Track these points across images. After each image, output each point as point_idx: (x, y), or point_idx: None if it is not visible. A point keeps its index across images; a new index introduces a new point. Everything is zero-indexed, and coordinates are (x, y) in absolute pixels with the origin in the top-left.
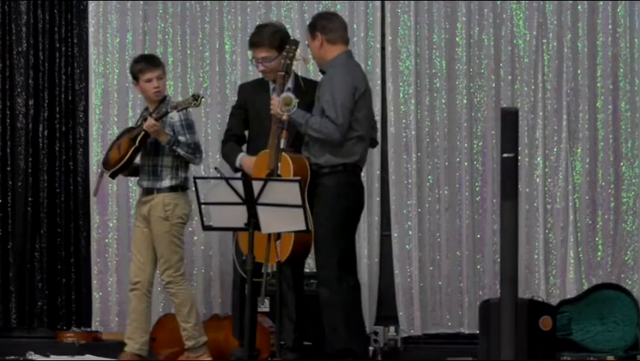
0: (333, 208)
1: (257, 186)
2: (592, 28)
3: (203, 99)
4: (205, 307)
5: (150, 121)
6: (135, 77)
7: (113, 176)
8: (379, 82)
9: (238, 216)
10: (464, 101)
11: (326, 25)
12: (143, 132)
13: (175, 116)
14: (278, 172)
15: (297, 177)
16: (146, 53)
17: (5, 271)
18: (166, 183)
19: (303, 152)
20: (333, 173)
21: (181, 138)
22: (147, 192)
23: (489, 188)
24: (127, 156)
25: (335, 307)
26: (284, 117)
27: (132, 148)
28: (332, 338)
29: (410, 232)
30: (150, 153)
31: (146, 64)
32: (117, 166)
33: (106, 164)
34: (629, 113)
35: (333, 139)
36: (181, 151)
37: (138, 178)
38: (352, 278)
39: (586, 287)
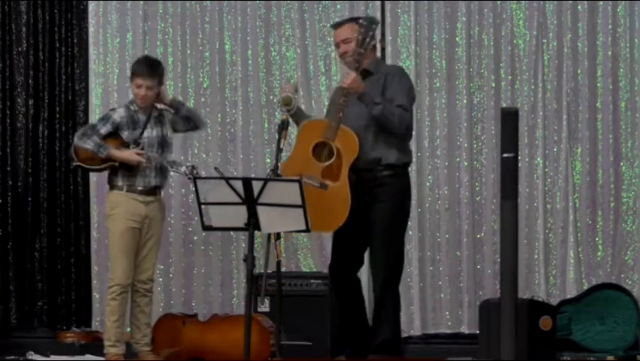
0: (399, 210)
1: (257, 186)
2: (592, 28)
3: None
4: (205, 308)
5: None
6: (131, 76)
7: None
8: None
9: (238, 216)
10: (464, 101)
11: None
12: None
13: (168, 113)
14: (280, 172)
15: (297, 178)
16: (147, 54)
17: (5, 271)
18: (165, 183)
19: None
20: (397, 175)
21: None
22: (151, 191)
23: (489, 188)
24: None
25: (394, 302)
26: (285, 117)
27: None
28: (379, 329)
29: (410, 232)
30: (158, 149)
31: (143, 69)
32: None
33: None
34: (629, 113)
35: (404, 126)
36: (193, 118)
37: (133, 174)
38: None
39: (586, 287)
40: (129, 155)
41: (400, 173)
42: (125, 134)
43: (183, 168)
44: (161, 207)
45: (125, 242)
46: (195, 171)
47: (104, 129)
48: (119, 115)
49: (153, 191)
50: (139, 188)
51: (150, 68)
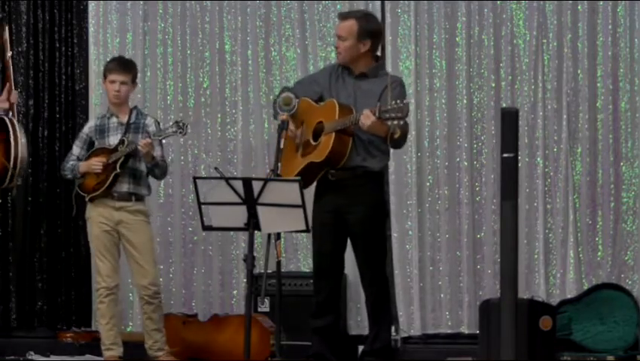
0: (383, 211)
1: (257, 186)
2: (592, 28)
3: (188, 127)
4: (205, 308)
5: (147, 140)
6: (104, 75)
7: (91, 200)
8: None
9: (238, 216)
10: (464, 101)
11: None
12: (124, 157)
13: (152, 125)
14: (279, 172)
15: (297, 177)
16: (121, 56)
17: (5, 271)
18: (145, 191)
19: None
20: (380, 178)
21: (156, 153)
22: (124, 197)
23: (489, 188)
24: (109, 182)
25: (387, 304)
26: (284, 117)
27: (114, 174)
28: (378, 335)
29: (410, 232)
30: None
31: (117, 65)
32: (98, 192)
33: (82, 188)
34: (629, 113)
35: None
36: (157, 171)
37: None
38: None
39: (586, 287)
40: (87, 165)
41: (380, 177)
42: (96, 145)
43: (169, 130)
44: (137, 211)
45: (102, 245)
46: (182, 123)
47: (76, 150)
48: (88, 127)
49: (126, 197)
50: (113, 193)
51: (123, 64)
